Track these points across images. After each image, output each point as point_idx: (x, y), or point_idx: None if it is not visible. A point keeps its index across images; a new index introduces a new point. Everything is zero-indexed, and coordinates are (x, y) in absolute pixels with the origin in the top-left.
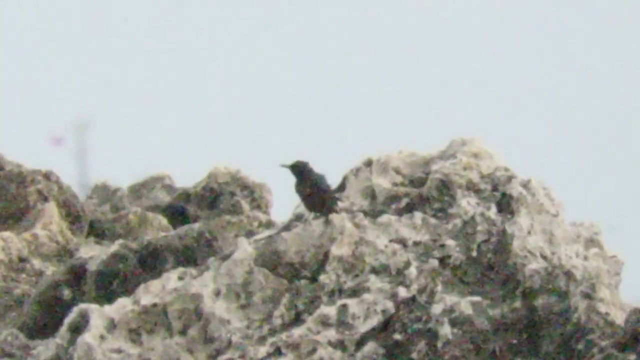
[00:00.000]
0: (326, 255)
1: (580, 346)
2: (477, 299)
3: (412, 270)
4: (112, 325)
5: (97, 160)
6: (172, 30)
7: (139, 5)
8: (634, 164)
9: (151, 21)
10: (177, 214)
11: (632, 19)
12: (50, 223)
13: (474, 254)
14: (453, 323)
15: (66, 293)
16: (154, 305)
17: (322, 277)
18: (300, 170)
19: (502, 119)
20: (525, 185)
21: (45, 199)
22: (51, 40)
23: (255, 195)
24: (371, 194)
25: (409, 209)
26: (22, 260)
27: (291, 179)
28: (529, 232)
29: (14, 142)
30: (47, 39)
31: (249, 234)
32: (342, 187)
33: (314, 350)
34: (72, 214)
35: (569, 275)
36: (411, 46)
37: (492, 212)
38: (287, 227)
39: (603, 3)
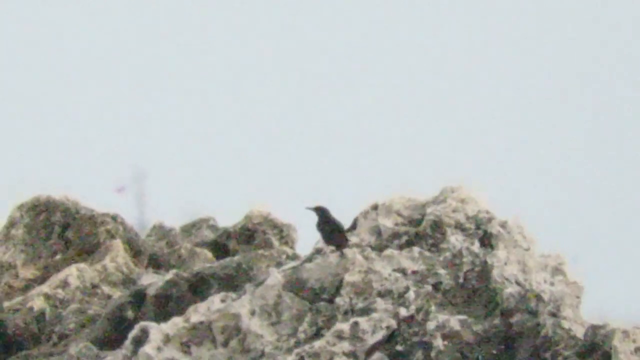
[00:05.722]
0: (341, 281)
1: (548, 355)
2: (463, 317)
3: (411, 294)
4: (167, 339)
5: (154, 204)
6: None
7: (182, 62)
8: (599, 205)
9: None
10: (220, 249)
11: None
12: (117, 256)
13: (461, 280)
14: (444, 337)
15: (130, 313)
16: (201, 322)
17: (338, 300)
18: (322, 212)
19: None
20: (503, 224)
21: (113, 237)
22: (109, 103)
23: (283, 233)
24: (377, 232)
25: (408, 244)
26: (94, 286)
27: (311, 221)
28: (506, 263)
29: (88, 193)
30: (109, 103)
31: (278, 264)
32: (354, 226)
33: (331, 359)
34: (134, 249)
35: (538, 297)
36: (420, 86)
37: (476, 247)
38: (309, 259)
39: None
